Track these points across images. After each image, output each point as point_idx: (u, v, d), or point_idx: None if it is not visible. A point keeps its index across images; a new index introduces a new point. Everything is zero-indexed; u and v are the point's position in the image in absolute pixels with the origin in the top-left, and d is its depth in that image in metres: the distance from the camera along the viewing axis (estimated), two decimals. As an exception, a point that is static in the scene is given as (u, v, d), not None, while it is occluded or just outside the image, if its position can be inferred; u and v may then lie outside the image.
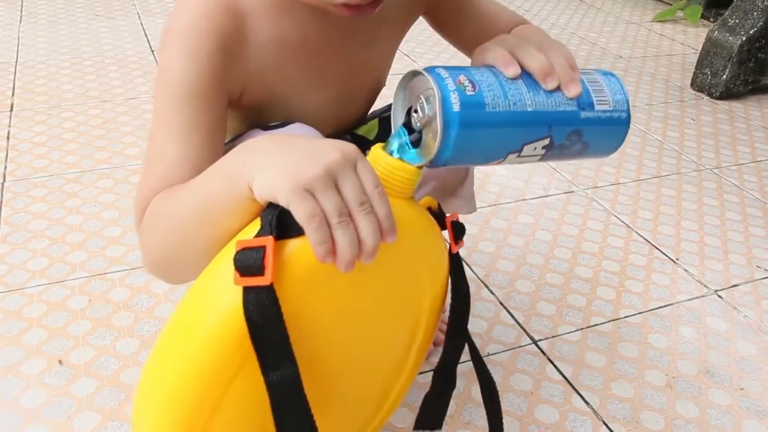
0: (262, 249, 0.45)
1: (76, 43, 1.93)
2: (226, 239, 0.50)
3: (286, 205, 0.45)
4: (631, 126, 1.68)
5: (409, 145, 0.53)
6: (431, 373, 0.67)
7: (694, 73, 1.94)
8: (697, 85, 1.94)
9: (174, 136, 0.58)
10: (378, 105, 0.82)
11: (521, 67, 0.54)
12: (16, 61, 1.79)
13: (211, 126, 0.59)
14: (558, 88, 0.54)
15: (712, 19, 2.54)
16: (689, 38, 2.39)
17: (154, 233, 0.56)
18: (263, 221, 0.47)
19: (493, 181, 1.38)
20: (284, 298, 0.46)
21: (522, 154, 0.54)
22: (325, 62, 0.67)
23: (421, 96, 0.52)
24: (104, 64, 1.81)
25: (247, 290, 0.46)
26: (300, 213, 0.45)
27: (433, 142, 0.51)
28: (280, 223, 0.47)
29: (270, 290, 0.45)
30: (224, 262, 0.48)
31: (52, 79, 1.70)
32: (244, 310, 0.46)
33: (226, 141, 0.68)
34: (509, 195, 1.35)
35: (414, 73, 0.53)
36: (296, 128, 0.64)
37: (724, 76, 1.86)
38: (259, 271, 0.45)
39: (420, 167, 0.53)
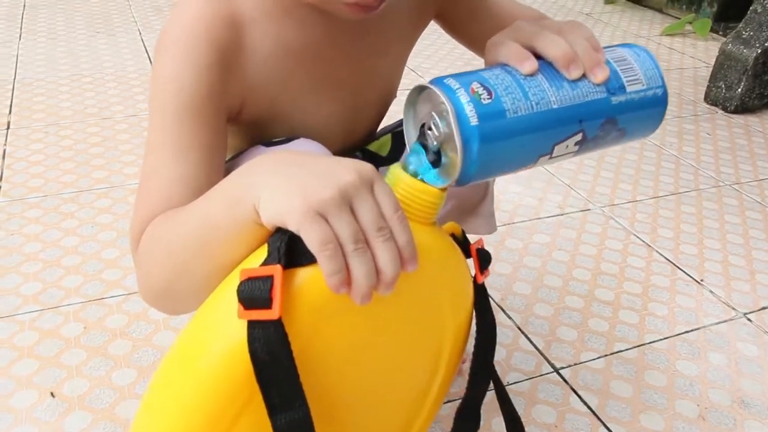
0: (269, 279, 0.40)
1: (76, 60, 1.89)
2: (229, 267, 0.45)
3: (297, 231, 0.41)
4: (645, 140, 1.63)
5: (429, 165, 0.47)
6: (449, 404, 0.61)
7: (708, 86, 1.90)
8: (711, 98, 1.89)
9: (170, 154, 0.53)
10: (388, 120, 0.77)
11: (540, 56, 0.48)
12: (14, 79, 1.75)
13: (210, 143, 0.55)
14: (583, 76, 0.48)
15: (721, 33, 2.50)
16: (699, 52, 2.34)
17: (152, 260, 0.51)
18: (270, 248, 0.42)
19: (507, 199, 1.33)
20: (294, 333, 0.42)
21: (554, 155, 0.49)
22: (331, 71, 0.62)
23: (433, 112, 0.47)
24: (104, 80, 1.77)
25: (252, 324, 0.41)
26: (312, 239, 0.40)
27: (454, 160, 0.45)
28: (290, 251, 0.42)
29: (278, 325, 0.41)
30: (227, 293, 0.44)
31: (51, 97, 1.66)
32: (248, 346, 0.41)
33: (227, 159, 0.63)
34: (523, 213, 1.30)
35: (421, 88, 0.47)
36: (302, 144, 0.59)
37: (739, 90, 1.81)
38: (266, 303, 0.40)
39: (444, 189, 0.47)
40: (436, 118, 0.46)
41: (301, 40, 0.59)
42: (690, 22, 2.53)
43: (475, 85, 0.45)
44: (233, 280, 0.43)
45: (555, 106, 0.47)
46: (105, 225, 1.18)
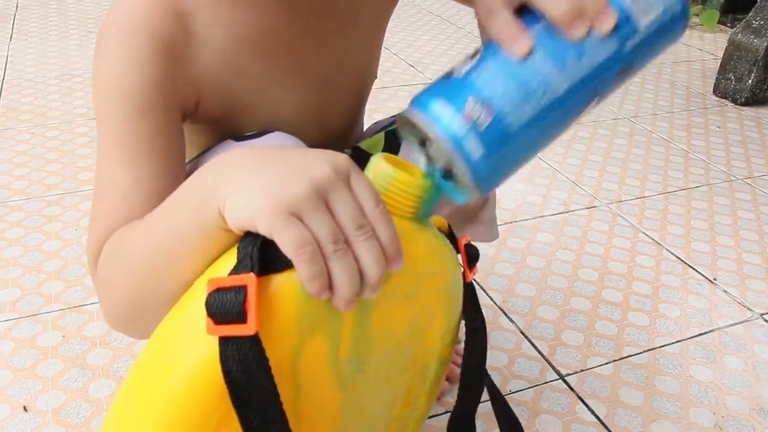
0: (242, 289, 0.36)
1: (66, 60, 1.85)
2: (198, 278, 0.41)
3: (269, 234, 0.36)
4: (653, 134, 1.57)
5: (447, 182, 0.42)
6: (445, 416, 0.56)
7: (717, 78, 1.84)
8: (720, 91, 1.83)
9: (121, 162, 0.49)
10: (373, 110, 0.72)
11: (539, 11, 0.41)
12: (3, 79, 1.70)
13: (163, 145, 0.50)
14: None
15: (729, 24, 2.44)
16: (707, 44, 2.28)
17: (114, 283, 0.47)
18: (240, 254, 0.37)
19: (509, 196, 1.28)
20: (271, 348, 0.37)
21: (570, 126, 0.43)
22: (295, 55, 0.57)
23: (431, 140, 0.41)
24: (94, 80, 1.72)
25: (224, 341, 0.36)
26: (286, 242, 0.35)
27: (465, 180, 0.41)
28: (262, 256, 0.37)
29: (255, 340, 0.36)
30: (192, 307, 0.39)
31: (39, 97, 1.61)
32: (222, 365, 0.36)
33: (193, 156, 0.58)
34: (527, 211, 1.24)
35: (405, 117, 0.41)
36: (276, 138, 0.54)
37: (750, 81, 1.75)
38: (240, 317, 0.35)
39: (432, 184, 0.42)
40: (436, 143, 0.41)
41: (255, 25, 0.54)
42: (697, 14, 2.47)
43: (470, 105, 0.39)
44: (198, 292, 0.39)
45: (563, 88, 0.40)
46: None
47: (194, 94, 0.53)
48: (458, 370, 0.84)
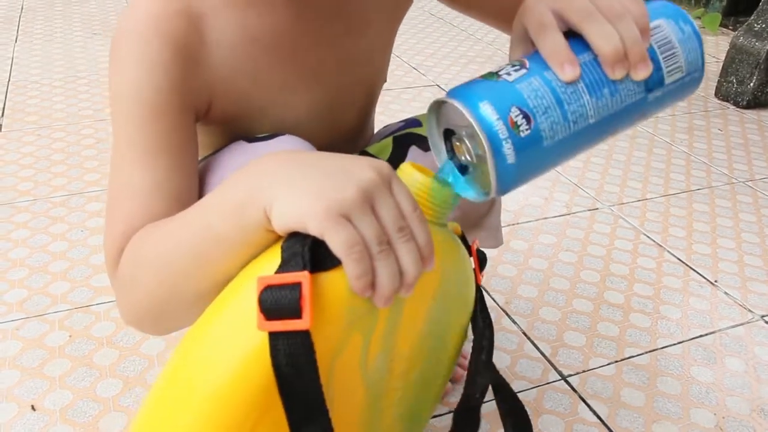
0: (297, 286, 0.37)
1: (71, 61, 1.86)
2: (228, 279, 0.42)
3: (319, 234, 0.38)
4: (655, 137, 1.58)
5: (463, 180, 0.45)
6: (447, 416, 0.57)
7: (719, 81, 1.84)
8: (721, 94, 1.83)
9: (140, 162, 0.50)
10: (385, 120, 0.72)
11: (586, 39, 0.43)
12: (9, 81, 1.71)
13: (179, 145, 0.51)
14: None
15: (731, 27, 2.45)
16: (709, 47, 2.29)
17: (139, 283, 0.48)
18: (287, 254, 0.39)
19: (512, 198, 1.28)
20: (317, 343, 0.39)
21: (581, 154, 0.47)
22: (306, 57, 0.58)
23: (464, 133, 0.43)
24: (99, 82, 1.73)
25: (274, 336, 0.38)
26: (337, 243, 0.38)
27: (487, 180, 0.43)
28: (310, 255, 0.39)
29: (306, 336, 0.38)
30: (234, 304, 0.41)
31: (45, 99, 1.62)
32: (272, 359, 0.38)
33: (205, 156, 0.59)
34: (529, 213, 1.25)
35: (448, 104, 0.43)
36: (286, 141, 0.55)
37: (751, 84, 1.76)
38: (295, 313, 0.37)
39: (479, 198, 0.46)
40: (467, 140, 0.43)
41: (267, 28, 0.55)
42: (699, 17, 2.47)
43: (514, 113, 0.41)
44: (241, 289, 0.41)
45: (592, 121, 0.43)
46: (95, 229, 1.14)
47: (207, 96, 0.54)
48: (461, 372, 0.85)
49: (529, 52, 0.45)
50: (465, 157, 0.44)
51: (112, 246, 0.50)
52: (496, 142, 0.41)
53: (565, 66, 0.42)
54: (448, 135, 0.45)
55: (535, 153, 0.42)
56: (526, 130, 0.41)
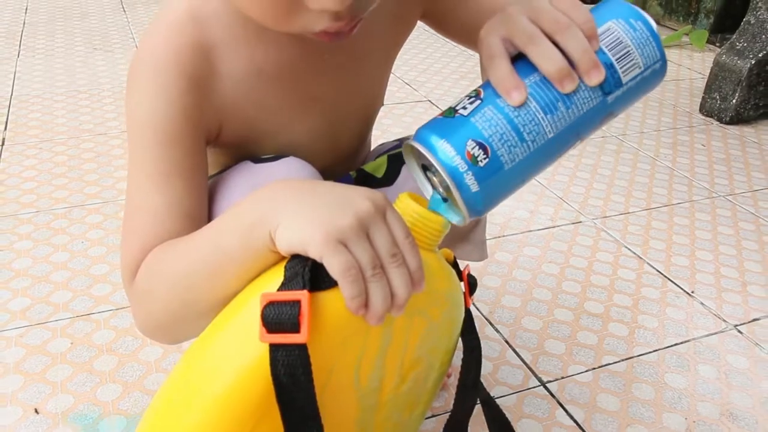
0: (296, 304, 0.42)
1: (72, 76, 1.91)
2: (235, 293, 0.47)
3: (319, 258, 0.42)
4: (639, 152, 1.63)
5: (445, 206, 0.50)
6: (431, 419, 0.61)
7: (703, 98, 1.90)
8: (706, 110, 1.89)
9: (154, 184, 0.54)
10: (378, 135, 0.77)
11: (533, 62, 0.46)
12: (11, 95, 1.76)
13: (192, 168, 0.55)
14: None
15: (718, 44, 2.50)
16: (695, 63, 2.35)
17: (155, 296, 0.52)
18: (289, 273, 0.44)
19: (497, 211, 1.33)
20: (313, 357, 0.43)
21: (556, 161, 0.50)
22: (309, 87, 0.62)
23: (433, 170, 0.48)
24: (100, 96, 1.78)
25: (274, 348, 0.42)
26: (335, 266, 0.42)
27: (459, 206, 0.48)
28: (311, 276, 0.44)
29: (303, 349, 0.42)
30: (239, 317, 0.45)
31: (46, 113, 1.67)
32: (271, 369, 0.42)
33: (214, 174, 0.64)
34: (514, 226, 1.29)
35: (413, 147, 0.48)
36: (290, 163, 0.59)
37: (734, 101, 1.81)
38: (294, 327, 0.41)
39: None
40: (436, 175, 0.48)
41: (274, 61, 0.59)
42: (687, 34, 2.53)
43: (470, 146, 0.45)
44: (246, 304, 0.45)
45: (550, 136, 0.46)
46: (95, 240, 1.18)
47: (217, 122, 0.58)
48: (449, 380, 0.89)
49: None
50: (439, 189, 0.49)
51: (130, 261, 0.54)
52: (458, 176, 0.45)
53: (512, 92, 0.45)
54: (426, 169, 0.50)
55: (497, 178, 0.46)
56: (484, 159, 0.45)
